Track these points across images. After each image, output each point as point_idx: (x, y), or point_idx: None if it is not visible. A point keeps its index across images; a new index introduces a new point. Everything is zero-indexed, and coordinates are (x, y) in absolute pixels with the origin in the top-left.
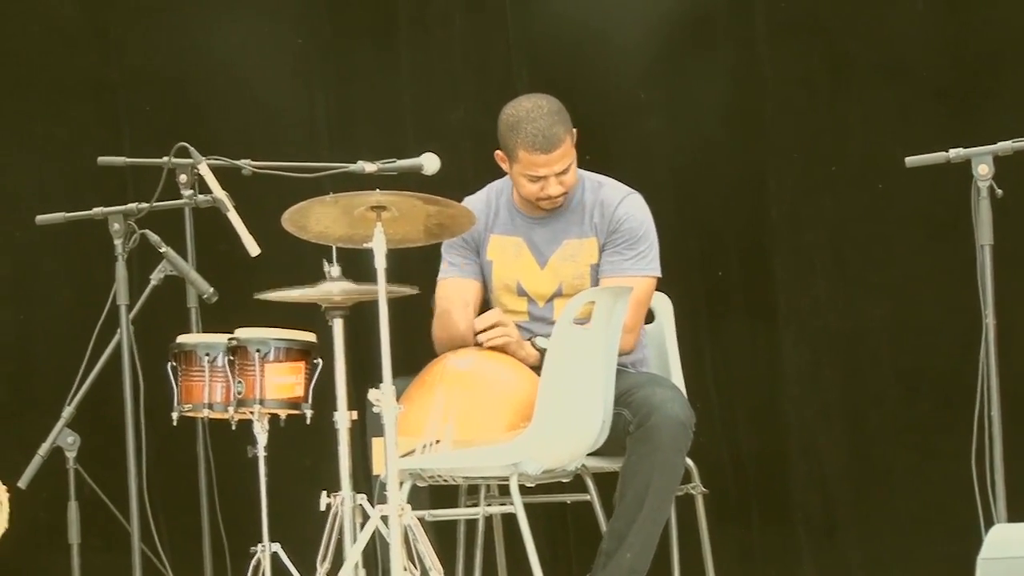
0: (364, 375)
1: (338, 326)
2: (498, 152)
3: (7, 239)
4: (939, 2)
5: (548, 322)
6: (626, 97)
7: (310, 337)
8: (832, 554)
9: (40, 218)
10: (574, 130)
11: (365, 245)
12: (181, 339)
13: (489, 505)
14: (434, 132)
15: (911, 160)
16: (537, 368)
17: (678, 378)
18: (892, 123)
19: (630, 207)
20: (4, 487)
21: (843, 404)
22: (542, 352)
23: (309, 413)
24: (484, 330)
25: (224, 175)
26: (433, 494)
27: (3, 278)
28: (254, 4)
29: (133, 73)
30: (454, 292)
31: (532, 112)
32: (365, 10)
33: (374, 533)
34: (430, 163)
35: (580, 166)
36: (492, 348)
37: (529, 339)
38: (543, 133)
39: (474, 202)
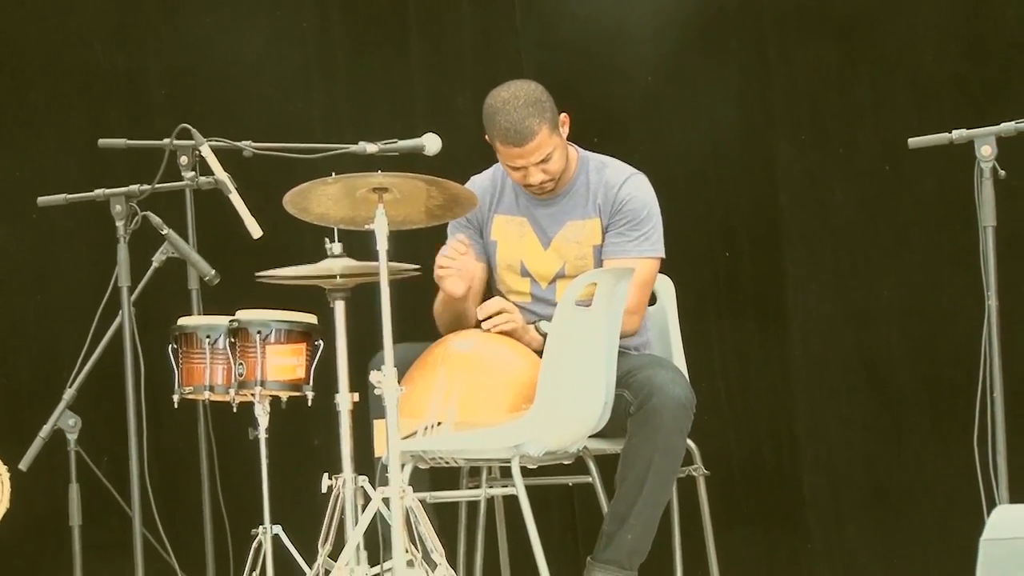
0: (366, 357)
1: (340, 308)
2: (487, 136)
3: (27, 222)
4: None
5: (550, 303)
6: (635, 83)
7: (311, 319)
8: (837, 532)
9: (42, 199)
10: (562, 115)
11: (367, 227)
12: (182, 321)
13: (491, 487)
14: (444, 118)
15: (914, 141)
16: (540, 352)
17: (680, 360)
18: (902, 108)
19: (633, 188)
20: (5, 467)
21: (850, 388)
22: (546, 337)
23: (310, 395)
24: (488, 317)
25: (227, 156)
26: (434, 476)
27: (23, 261)
28: None
29: (150, 61)
30: None
31: (508, 103)
32: None
33: (376, 515)
34: (432, 143)
35: (589, 148)
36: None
37: (533, 323)
38: (515, 127)
39: (479, 181)
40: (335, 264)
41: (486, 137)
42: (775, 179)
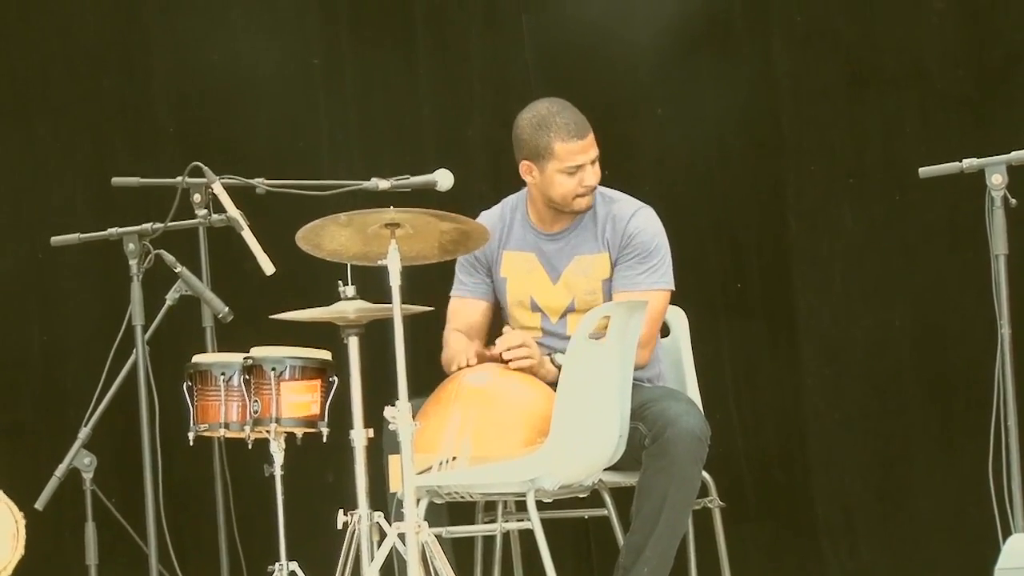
0: (380, 393)
1: (353, 344)
2: (524, 163)
3: (31, 260)
4: (956, 11)
5: (562, 337)
6: (644, 111)
7: (325, 355)
8: (852, 565)
9: (55, 239)
10: None
11: (380, 262)
12: (197, 359)
13: (506, 521)
14: (453, 148)
15: (925, 171)
16: (555, 384)
17: (694, 392)
18: (911, 133)
19: (641, 221)
20: (20, 513)
21: (862, 415)
22: (561, 368)
23: (325, 431)
24: (509, 349)
25: (239, 194)
26: (450, 511)
27: (28, 299)
28: (274, 23)
29: (156, 94)
30: (456, 313)
31: (553, 107)
32: (383, 27)
33: (391, 551)
34: (444, 179)
35: (599, 181)
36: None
37: (548, 355)
38: (574, 121)
39: (488, 218)
40: (348, 307)
41: (522, 164)
42: (785, 207)
